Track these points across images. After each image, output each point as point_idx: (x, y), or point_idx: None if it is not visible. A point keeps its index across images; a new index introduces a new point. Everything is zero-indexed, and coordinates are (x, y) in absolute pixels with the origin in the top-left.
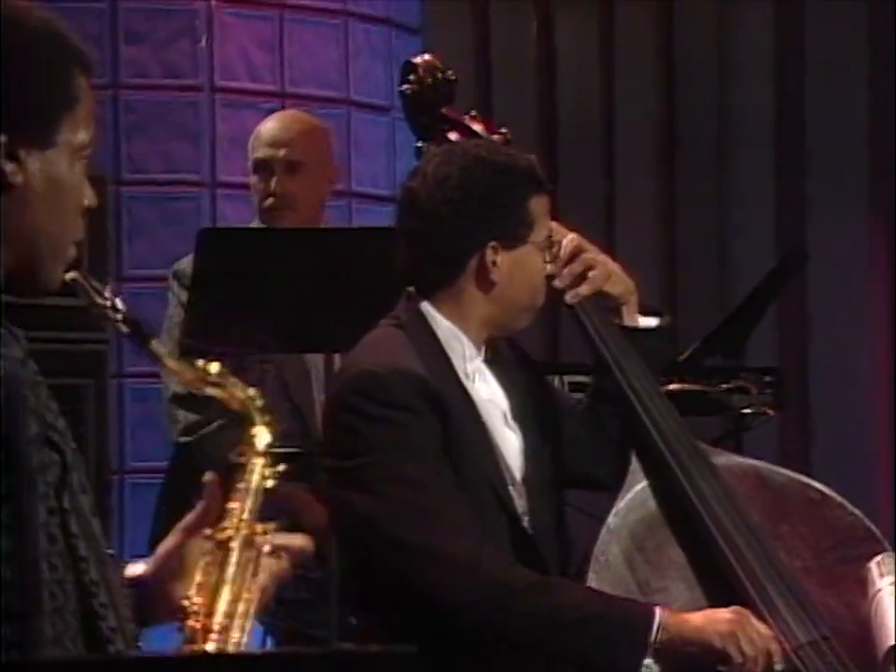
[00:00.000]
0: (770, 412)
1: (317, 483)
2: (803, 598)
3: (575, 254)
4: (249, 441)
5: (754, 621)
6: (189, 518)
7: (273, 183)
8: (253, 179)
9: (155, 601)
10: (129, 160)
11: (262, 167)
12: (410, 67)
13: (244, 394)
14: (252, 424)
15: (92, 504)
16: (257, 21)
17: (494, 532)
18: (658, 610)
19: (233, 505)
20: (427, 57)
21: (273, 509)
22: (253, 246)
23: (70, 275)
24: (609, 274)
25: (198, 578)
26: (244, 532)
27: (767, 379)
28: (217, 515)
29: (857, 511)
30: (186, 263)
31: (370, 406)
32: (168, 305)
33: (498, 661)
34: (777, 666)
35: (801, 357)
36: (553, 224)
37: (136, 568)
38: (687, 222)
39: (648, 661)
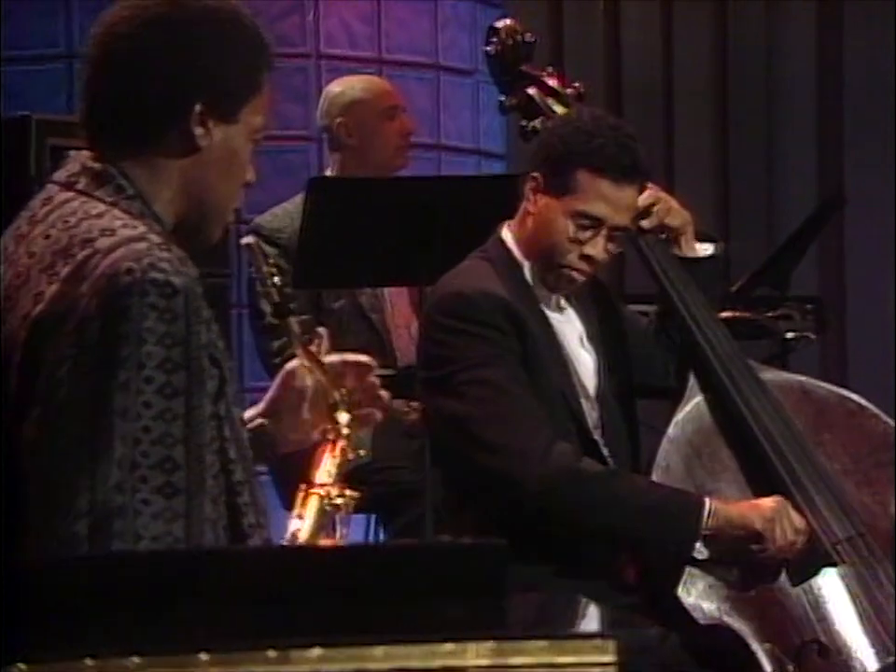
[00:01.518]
0: (812, 336)
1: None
2: (841, 498)
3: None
4: (334, 423)
5: (792, 512)
6: (289, 367)
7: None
8: (339, 135)
9: (272, 439)
10: None
11: (349, 114)
12: (493, 31)
13: (337, 395)
14: (335, 409)
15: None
16: None
17: (566, 439)
18: (708, 499)
19: (325, 469)
20: (508, 21)
21: None
22: (356, 192)
23: (246, 240)
24: (670, 209)
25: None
26: (335, 493)
27: (809, 307)
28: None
29: (890, 421)
30: (262, 219)
31: (455, 322)
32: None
33: (568, 546)
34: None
35: (839, 288)
36: None
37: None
38: (738, 167)
39: (698, 544)
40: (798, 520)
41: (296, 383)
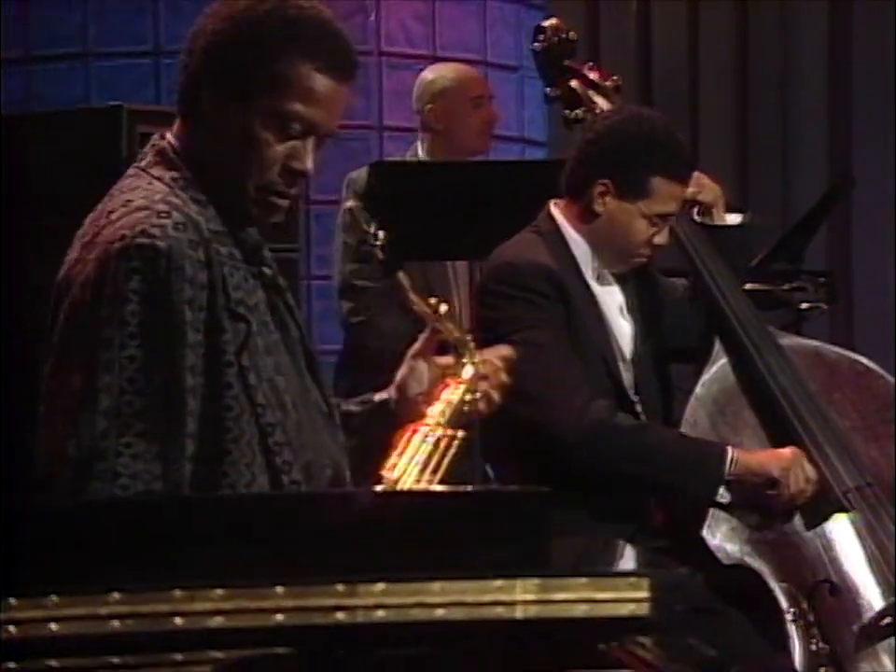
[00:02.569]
0: (823, 306)
1: None
2: (851, 451)
3: None
4: (457, 369)
5: (806, 461)
6: (415, 346)
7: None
8: (431, 117)
9: (401, 412)
10: None
11: (443, 98)
12: (539, 29)
13: (459, 333)
14: (461, 356)
15: (282, 365)
16: (414, 0)
17: (604, 397)
18: (730, 448)
19: (437, 408)
20: (553, 21)
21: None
22: (413, 175)
23: (348, 204)
24: (701, 188)
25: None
26: (439, 431)
27: (821, 280)
28: (433, 346)
29: (894, 381)
30: (356, 174)
31: (506, 289)
32: (339, 209)
33: (603, 494)
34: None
35: (846, 263)
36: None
37: (382, 394)
38: (756, 151)
39: (722, 489)
40: (811, 469)
41: (421, 362)
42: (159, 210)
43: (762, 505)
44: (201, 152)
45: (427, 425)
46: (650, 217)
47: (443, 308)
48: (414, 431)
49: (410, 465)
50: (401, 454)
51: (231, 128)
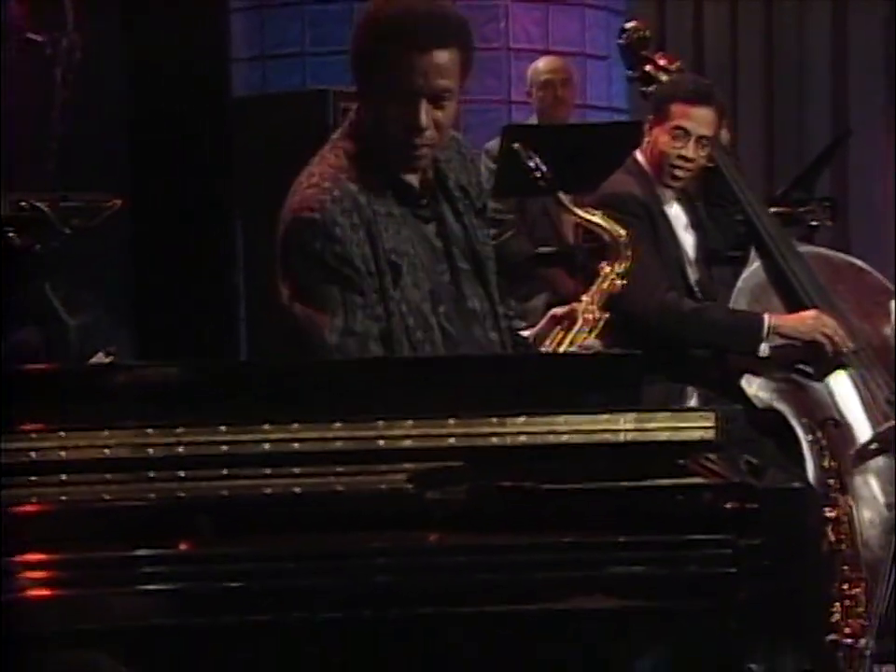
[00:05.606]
0: (828, 223)
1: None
2: (850, 326)
3: None
4: (611, 263)
5: (825, 316)
6: (559, 311)
7: (556, 92)
8: (540, 94)
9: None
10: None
11: (548, 84)
12: (623, 29)
13: (615, 232)
14: (617, 252)
15: (433, 292)
16: (532, 10)
17: (677, 288)
18: (766, 315)
19: (585, 297)
20: (633, 23)
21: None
22: (534, 134)
23: (515, 146)
24: None
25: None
26: (587, 312)
27: (826, 204)
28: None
29: (881, 276)
30: (491, 144)
31: (607, 212)
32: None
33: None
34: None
35: (843, 191)
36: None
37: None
38: (779, 114)
39: (763, 346)
40: (830, 319)
41: (551, 322)
42: (324, 188)
43: (815, 360)
44: (365, 122)
45: (589, 313)
46: (670, 131)
47: (597, 213)
48: (573, 322)
49: (565, 342)
50: (565, 332)
51: (370, 100)
